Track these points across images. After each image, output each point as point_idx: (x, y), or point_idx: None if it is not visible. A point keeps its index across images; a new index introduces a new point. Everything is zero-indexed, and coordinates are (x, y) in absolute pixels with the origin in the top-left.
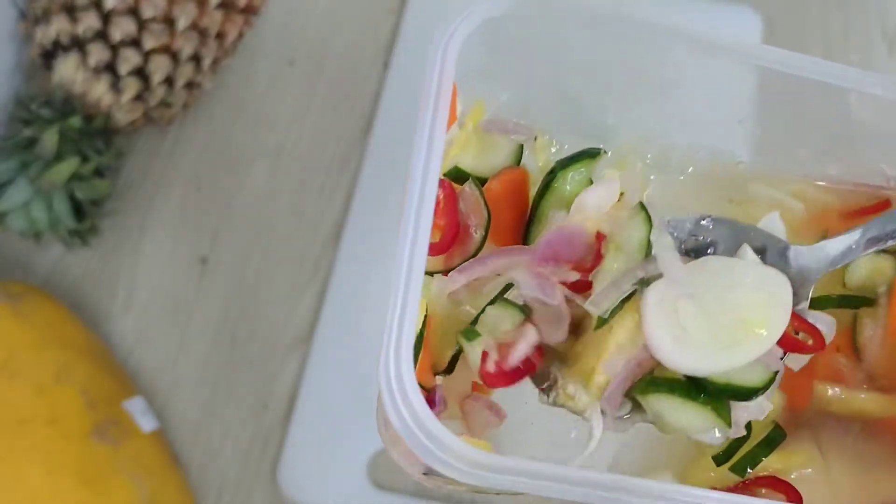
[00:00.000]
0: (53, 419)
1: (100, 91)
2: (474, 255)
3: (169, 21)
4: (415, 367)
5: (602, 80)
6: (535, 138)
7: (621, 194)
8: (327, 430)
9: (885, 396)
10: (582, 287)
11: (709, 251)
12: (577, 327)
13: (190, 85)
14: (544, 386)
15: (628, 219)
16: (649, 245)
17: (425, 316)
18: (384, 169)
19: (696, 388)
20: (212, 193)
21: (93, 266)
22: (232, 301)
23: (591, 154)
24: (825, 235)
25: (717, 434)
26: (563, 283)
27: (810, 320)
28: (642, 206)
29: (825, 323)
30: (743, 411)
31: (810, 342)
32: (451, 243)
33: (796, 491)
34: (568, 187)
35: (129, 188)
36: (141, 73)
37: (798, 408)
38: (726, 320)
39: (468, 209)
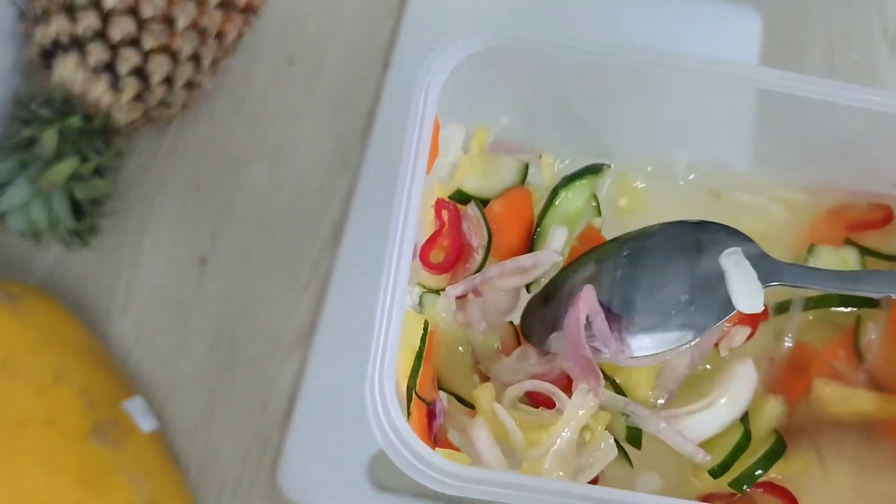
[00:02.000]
0: (52, 419)
1: (99, 91)
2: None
3: (168, 21)
4: (415, 382)
5: (599, 98)
6: (540, 157)
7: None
8: (327, 430)
9: (885, 396)
10: None
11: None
12: None
13: (189, 85)
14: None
15: None
16: None
17: (427, 332)
18: (384, 169)
19: None
20: (211, 193)
21: (92, 266)
22: (232, 301)
23: (594, 170)
24: (812, 241)
25: None
26: None
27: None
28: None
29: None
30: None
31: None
32: (454, 263)
33: (793, 497)
34: (570, 204)
35: (128, 188)
36: (140, 72)
37: (792, 403)
38: None
39: (470, 230)
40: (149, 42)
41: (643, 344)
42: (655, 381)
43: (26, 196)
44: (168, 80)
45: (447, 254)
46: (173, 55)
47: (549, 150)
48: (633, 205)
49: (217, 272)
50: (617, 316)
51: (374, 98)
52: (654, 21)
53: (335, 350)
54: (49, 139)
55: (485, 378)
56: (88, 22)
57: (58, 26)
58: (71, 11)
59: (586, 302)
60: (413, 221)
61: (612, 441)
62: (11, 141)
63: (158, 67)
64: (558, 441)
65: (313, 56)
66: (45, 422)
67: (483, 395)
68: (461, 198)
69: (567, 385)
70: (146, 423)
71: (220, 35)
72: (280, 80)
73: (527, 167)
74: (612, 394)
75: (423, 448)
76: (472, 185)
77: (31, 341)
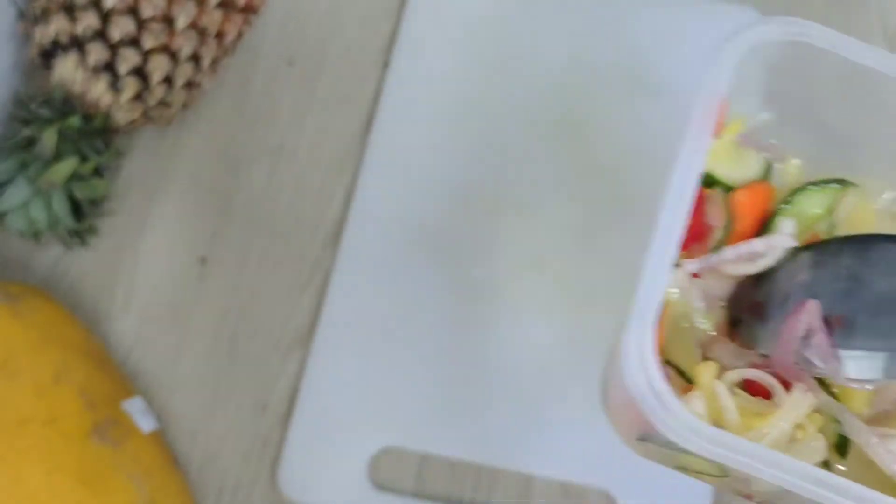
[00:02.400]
0: (52, 419)
1: (99, 91)
2: None
3: (168, 21)
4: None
5: (858, 114)
6: (788, 160)
7: None
8: (327, 430)
9: None
10: None
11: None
12: None
13: (189, 84)
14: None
15: None
16: None
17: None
18: (384, 169)
19: None
20: (211, 193)
21: (92, 266)
22: (232, 301)
23: (841, 182)
24: None
25: None
26: None
27: None
28: None
29: None
30: None
31: None
32: (693, 240)
33: None
34: (808, 207)
35: (128, 188)
36: (140, 72)
37: None
38: None
39: (713, 212)
40: (149, 42)
41: (861, 366)
42: (872, 398)
43: (26, 196)
44: (168, 80)
45: (687, 231)
46: (173, 55)
47: (798, 156)
48: (861, 223)
49: (217, 272)
50: (835, 331)
51: (374, 98)
52: (652, 20)
53: (335, 350)
54: (49, 139)
55: (705, 357)
56: (88, 22)
57: (57, 26)
58: (71, 11)
59: (809, 316)
60: (692, 188)
61: (823, 443)
62: (11, 141)
63: (158, 67)
64: (774, 431)
65: (313, 56)
66: (45, 422)
67: (705, 371)
68: (707, 180)
69: (784, 379)
70: (146, 424)
71: (220, 35)
72: (280, 80)
73: (771, 166)
74: (830, 399)
75: (679, 406)
76: (721, 171)
77: (31, 341)
